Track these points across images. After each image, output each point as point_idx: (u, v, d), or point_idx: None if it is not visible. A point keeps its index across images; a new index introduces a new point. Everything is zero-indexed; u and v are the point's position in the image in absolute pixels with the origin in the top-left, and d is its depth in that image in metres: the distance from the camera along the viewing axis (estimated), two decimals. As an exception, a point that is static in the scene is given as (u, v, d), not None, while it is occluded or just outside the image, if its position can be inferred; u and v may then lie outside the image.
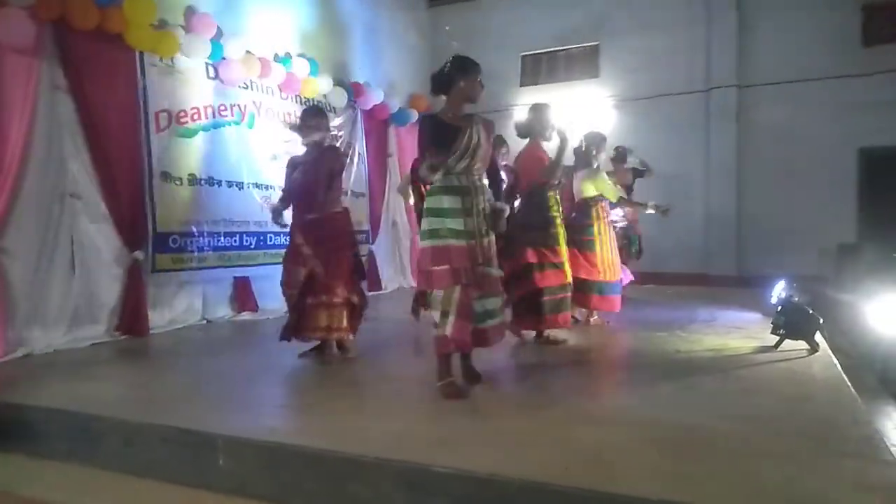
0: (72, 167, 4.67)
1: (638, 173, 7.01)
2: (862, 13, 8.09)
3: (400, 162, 8.60)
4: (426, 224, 3.16)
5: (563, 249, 4.29)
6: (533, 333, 4.41)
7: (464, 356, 3.27)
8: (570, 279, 4.31)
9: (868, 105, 7.93)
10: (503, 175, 4.25)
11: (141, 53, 5.13)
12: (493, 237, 3.25)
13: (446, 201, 3.09)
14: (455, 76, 3.14)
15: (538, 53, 9.99)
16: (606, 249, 4.98)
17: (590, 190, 5.00)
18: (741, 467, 2.12)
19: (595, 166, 5.09)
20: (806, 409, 2.81)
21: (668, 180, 8.52)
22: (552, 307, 4.17)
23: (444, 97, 3.24)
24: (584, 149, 5.10)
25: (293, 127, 4.23)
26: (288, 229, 4.08)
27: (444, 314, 3.04)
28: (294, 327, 3.91)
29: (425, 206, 3.20)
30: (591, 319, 5.21)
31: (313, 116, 4.01)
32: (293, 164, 4.09)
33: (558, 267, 4.22)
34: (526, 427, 2.61)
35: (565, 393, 3.15)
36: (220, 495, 2.45)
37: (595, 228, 4.96)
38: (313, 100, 6.93)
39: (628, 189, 6.49)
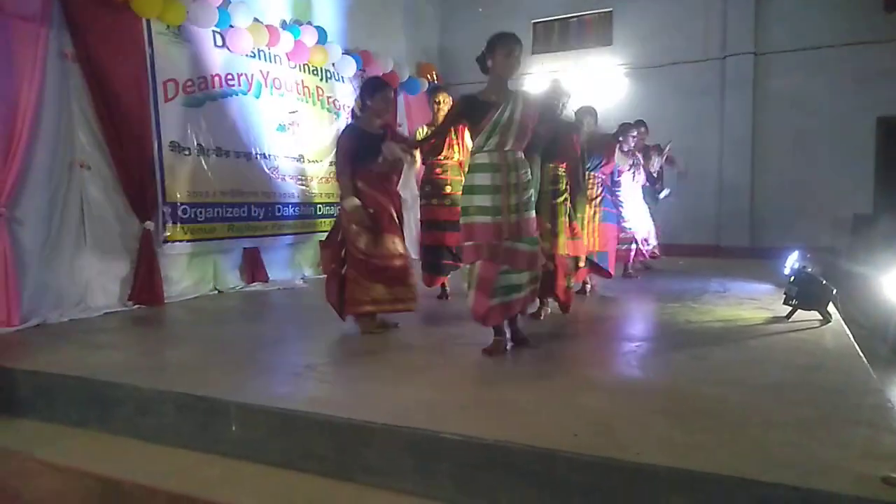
0: (81, 136, 4.67)
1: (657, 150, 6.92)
2: (884, -23, 7.83)
3: (409, 131, 8.50)
4: (462, 201, 3.24)
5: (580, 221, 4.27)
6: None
7: (511, 321, 3.36)
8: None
9: (888, 73, 7.73)
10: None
11: (148, 21, 5.07)
12: (530, 213, 3.23)
13: (477, 178, 3.16)
14: (487, 54, 3.15)
15: (550, 20, 9.79)
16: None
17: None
18: (751, 436, 2.11)
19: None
20: (817, 379, 2.79)
21: (682, 150, 8.40)
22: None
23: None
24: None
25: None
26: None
27: (468, 287, 3.19)
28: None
29: (463, 183, 3.25)
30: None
31: None
32: None
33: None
34: (535, 395, 2.61)
35: (574, 362, 3.15)
36: (233, 461, 2.48)
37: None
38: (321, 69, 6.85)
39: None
